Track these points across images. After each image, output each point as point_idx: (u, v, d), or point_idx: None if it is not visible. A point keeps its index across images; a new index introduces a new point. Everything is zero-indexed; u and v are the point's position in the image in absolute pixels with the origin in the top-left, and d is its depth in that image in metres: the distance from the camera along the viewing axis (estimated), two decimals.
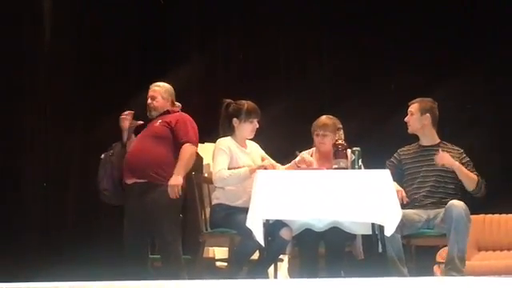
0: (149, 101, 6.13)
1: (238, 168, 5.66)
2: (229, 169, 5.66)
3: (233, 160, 5.71)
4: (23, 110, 7.81)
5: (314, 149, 5.97)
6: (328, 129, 5.83)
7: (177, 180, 5.79)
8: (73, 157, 8.05)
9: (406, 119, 5.97)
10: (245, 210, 5.36)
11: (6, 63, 7.64)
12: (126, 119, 6.10)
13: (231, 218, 5.61)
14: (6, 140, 7.61)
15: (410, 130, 5.98)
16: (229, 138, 5.81)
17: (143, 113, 6.22)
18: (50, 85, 7.96)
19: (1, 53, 7.60)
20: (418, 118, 5.91)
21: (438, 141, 5.96)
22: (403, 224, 5.36)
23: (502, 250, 7.35)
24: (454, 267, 5.43)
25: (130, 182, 5.88)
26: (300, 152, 5.86)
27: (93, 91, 8.01)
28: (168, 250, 5.83)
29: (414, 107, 5.95)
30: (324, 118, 5.90)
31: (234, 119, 5.82)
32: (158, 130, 5.98)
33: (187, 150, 5.91)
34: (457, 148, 5.95)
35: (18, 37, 7.82)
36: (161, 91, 6.15)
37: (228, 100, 5.91)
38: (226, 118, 5.88)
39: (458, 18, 8.47)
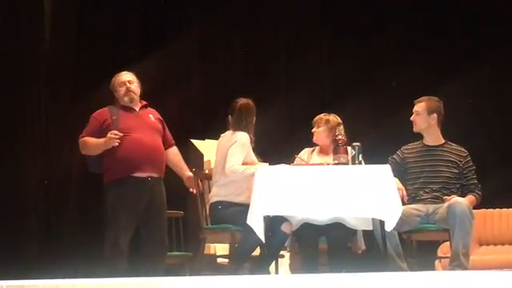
0: (128, 85, 5.77)
1: (250, 164, 5.67)
2: (243, 164, 5.67)
3: (248, 156, 5.72)
4: (23, 107, 7.83)
5: (317, 147, 5.98)
6: (320, 123, 5.85)
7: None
8: (74, 153, 8.03)
9: (411, 118, 5.84)
10: (246, 206, 5.35)
11: (5, 56, 7.63)
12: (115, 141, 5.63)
13: (232, 213, 5.60)
14: (6, 137, 7.61)
15: (415, 130, 5.86)
16: (246, 133, 5.80)
17: None
18: (50, 80, 7.96)
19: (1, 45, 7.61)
20: (425, 117, 5.79)
21: (443, 141, 5.86)
22: (402, 220, 5.31)
23: (503, 244, 7.36)
24: (460, 264, 5.38)
25: (143, 175, 5.63)
26: (297, 155, 5.87)
27: (93, 87, 8.00)
28: (165, 244, 5.74)
29: (420, 106, 5.81)
30: (319, 115, 5.92)
31: (254, 117, 5.86)
32: (156, 126, 5.82)
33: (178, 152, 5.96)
34: (462, 149, 5.85)
35: (17, 31, 7.82)
36: (135, 78, 5.87)
37: (245, 99, 5.90)
38: (241, 114, 5.85)
39: (460, 16, 8.47)
